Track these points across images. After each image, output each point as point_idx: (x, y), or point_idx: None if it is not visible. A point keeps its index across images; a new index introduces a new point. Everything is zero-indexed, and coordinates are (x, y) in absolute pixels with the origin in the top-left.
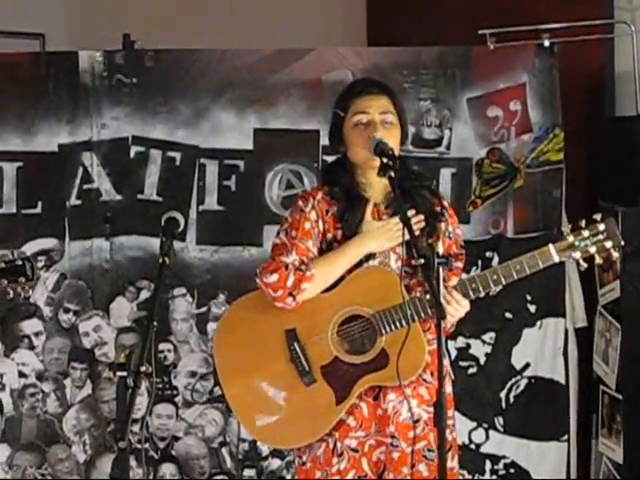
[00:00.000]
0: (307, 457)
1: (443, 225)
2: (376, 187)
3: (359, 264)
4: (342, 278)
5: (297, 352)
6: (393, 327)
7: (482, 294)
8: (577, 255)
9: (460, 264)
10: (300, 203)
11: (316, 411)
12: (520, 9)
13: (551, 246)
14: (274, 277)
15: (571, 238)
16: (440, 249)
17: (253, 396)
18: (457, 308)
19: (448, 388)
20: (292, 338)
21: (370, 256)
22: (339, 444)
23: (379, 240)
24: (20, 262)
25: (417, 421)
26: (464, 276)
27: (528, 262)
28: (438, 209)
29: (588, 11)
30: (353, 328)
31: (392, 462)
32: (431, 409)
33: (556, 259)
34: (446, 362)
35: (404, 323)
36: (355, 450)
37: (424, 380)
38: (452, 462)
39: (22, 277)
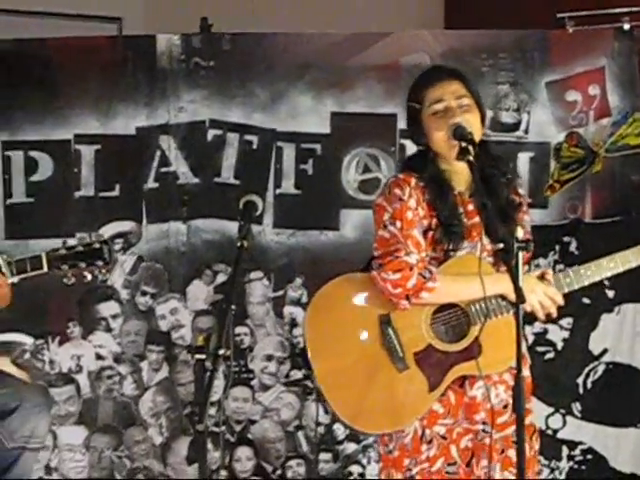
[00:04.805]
0: (394, 445)
1: (520, 215)
2: (460, 176)
3: (448, 255)
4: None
5: (391, 337)
6: (488, 317)
7: (576, 288)
8: None
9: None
10: (397, 191)
11: (408, 397)
12: None
13: None
14: (396, 276)
15: None
16: (520, 233)
17: (344, 379)
18: (549, 302)
19: (526, 372)
20: (386, 323)
21: (459, 247)
22: (427, 431)
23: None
24: (98, 245)
25: (505, 407)
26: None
27: (622, 260)
28: (517, 198)
29: None
30: (447, 316)
31: (484, 448)
32: None
33: None
34: (523, 347)
35: (498, 313)
36: (444, 437)
37: (510, 367)
38: (537, 444)
39: (100, 260)
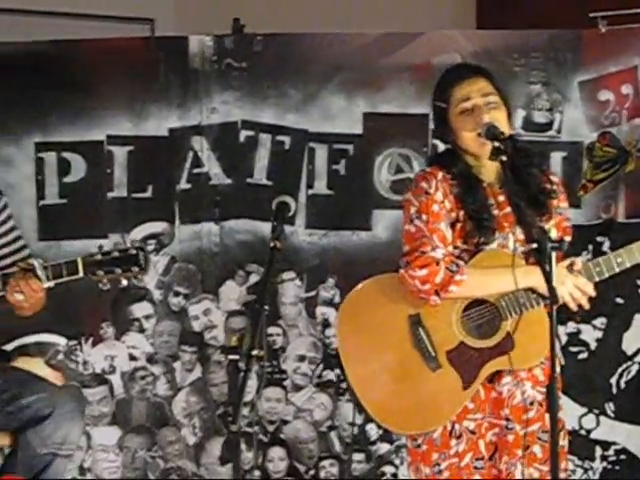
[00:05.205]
0: (422, 440)
1: (555, 202)
2: (489, 169)
3: (479, 249)
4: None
5: (422, 337)
6: (518, 311)
7: (606, 276)
8: None
9: (568, 237)
10: (424, 184)
11: (442, 396)
12: None
13: None
14: (423, 272)
15: None
16: (553, 233)
17: (378, 382)
18: (579, 293)
19: (557, 369)
20: (416, 323)
21: (491, 240)
22: (457, 426)
23: (544, 283)
24: (134, 251)
25: (532, 403)
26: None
27: None
28: (548, 185)
29: None
30: (478, 312)
31: (506, 444)
32: (544, 389)
33: None
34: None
35: (529, 307)
36: (473, 432)
37: (541, 361)
38: (563, 441)
39: (136, 266)
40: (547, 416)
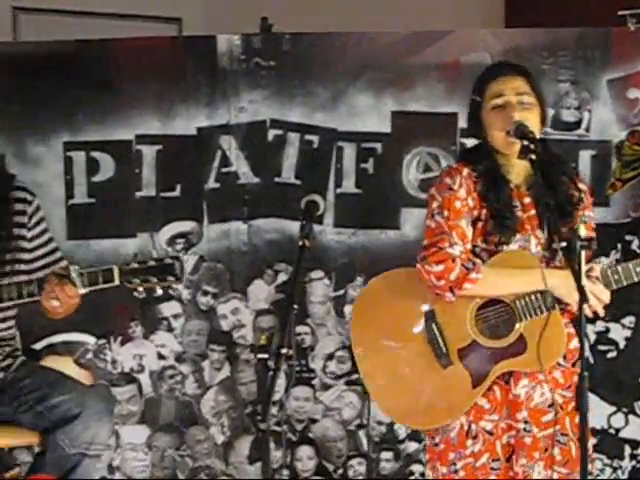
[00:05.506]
0: (440, 438)
1: (580, 211)
2: (517, 169)
3: (498, 249)
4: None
5: (435, 333)
6: (533, 314)
7: (624, 284)
8: None
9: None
10: (448, 180)
11: (452, 393)
12: None
13: None
14: (439, 267)
15: None
16: (582, 232)
17: (389, 376)
18: (596, 301)
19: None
20: (431, 319)
21: (511, 240)
22: (474, 426)
23: (560, 286)
24: (170, 261)
25: (550, 405)
26: (604, 262)
27: None
28: (576, 194)
29: None
30: (492, 312)
31: (524, 447)
32: (565, 393)
33: None
34: (574, 343)
35: (544, 310)
36: (490, 433)
37: (558, 364)
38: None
39: (171, 276)
40: (567, 419)
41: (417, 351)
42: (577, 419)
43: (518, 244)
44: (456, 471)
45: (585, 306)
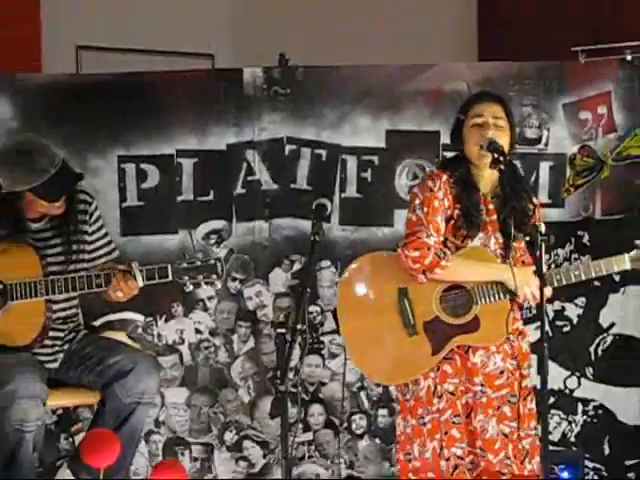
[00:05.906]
0: (410, 395)
1: (532, 220)
2: (486, 180)
3: (464, 243)
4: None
5: (406, 307)
6: (488, 300)
7: (564, 284)
8: None
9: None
10: (430, 183)
11: (414, 357)
12: (607, 29)
13: (626, 256)
14: (416, 253)
15: None
16: (542, 228)
17: (365, 338)
18: (535, 293)
19: (524, 345)
20: (403, 295)
21: (475, 236)
22: (439, 387)
23: (511, 280)
24: (213, 262)
25: (502, 372)
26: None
27: (605, 265)
28: (531, 207)
29: None
30: (454, 295)
31: (481, 405)
32: (513, 362)
33: (628, 267)
34: (521, 325)
35: (497, 298)
36: (452, 393)
37: (507, 339)
38: (531, 404)
39: (214, 275)
40: (515, 383)
41: (389, 320)
42: (524, 383)
43: (480, 241)
44: (424, 424)
45: (530, 298)
